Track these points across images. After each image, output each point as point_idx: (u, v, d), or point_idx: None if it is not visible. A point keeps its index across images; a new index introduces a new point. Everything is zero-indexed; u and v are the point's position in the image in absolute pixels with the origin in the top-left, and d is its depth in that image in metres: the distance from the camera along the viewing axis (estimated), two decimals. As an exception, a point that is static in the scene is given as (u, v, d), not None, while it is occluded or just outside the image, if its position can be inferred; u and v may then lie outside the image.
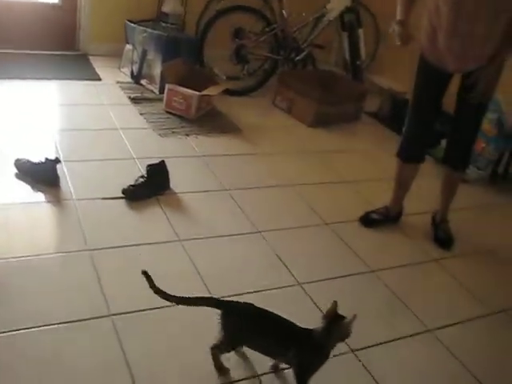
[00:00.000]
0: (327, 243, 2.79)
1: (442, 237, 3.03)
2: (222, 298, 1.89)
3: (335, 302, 1.78)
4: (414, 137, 2.89)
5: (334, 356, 1.88)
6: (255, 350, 1.87)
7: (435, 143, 3.72)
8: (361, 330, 2.23)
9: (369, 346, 2.17)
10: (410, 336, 2.29)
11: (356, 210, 3.09)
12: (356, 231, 2.94)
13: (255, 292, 2.30)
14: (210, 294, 2.22)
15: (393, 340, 2.24)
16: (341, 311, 2.28)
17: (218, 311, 1.82)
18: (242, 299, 2.19)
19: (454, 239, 3.02)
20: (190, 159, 3.28)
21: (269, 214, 2.92)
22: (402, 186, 3.05)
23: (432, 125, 2.88)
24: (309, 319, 2.21)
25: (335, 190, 3.32)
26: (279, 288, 2.38)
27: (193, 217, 2.75)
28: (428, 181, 3.23)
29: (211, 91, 3.83)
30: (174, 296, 1.79)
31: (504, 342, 2.41)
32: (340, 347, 1.95)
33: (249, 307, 1.85)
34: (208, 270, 2.37)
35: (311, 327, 1.81)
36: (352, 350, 2.12)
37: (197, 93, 3.69)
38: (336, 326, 1.76)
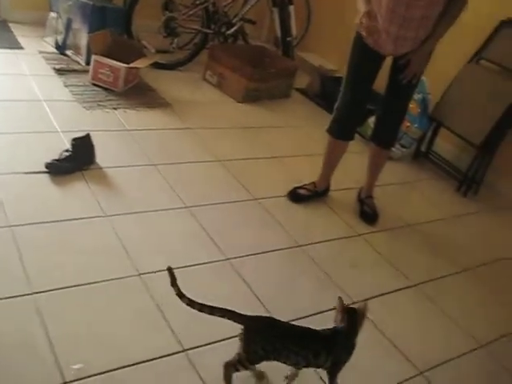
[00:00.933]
0: (256, 218, 2.81)
1: (367, 212, 3.11)
2: (244, 313, 1.75)
3: (340, 298, 1.81)
4: (346, 114, 2.92)
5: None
6: (283, 363, 1.79)
7: (363, 121, 3.81)
8: (288, 304, 2.30)
9: (297, 319, 2.21)
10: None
11: (285, 185, 3.13)
12: (284, 206, 2.97)
13: (183, 267, 2.28)
14: (137, 269, 2.20)
15: (319, 312, 2.30)
16: (269, 286, 2.32)
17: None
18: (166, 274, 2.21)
19: (378, 214, 3.11)
20: (117, 133, 3.20)
21: (197, 189, 2.90)
22: (331, 163, 3.10)
23: (365, 104, 2.93)
24: (236, 294, 2.25)
25: (264, 166, 3.33)
26: (207, 263, 2.38)
27: (119, 192, 2.70)
28: (354, 157, 3.30)
29: (139, 64, 3.74)
30: (198, 303, 1.71)
31: (424, 312, 2.52)
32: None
33: (271, 321, 1.83)
34: (135, 246, 2.34)
35: (330, 327, 1.80)
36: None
37: (124, 65, 3.59)
38: (355, 319, 1.78)
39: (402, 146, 3.92)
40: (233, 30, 4.57)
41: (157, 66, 4.17)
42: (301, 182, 3.14)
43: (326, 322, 2.23)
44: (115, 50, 3.76)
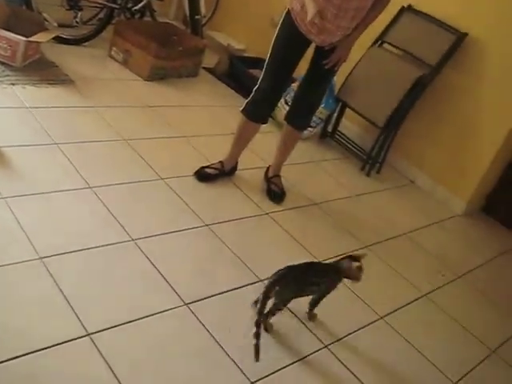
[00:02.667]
0: (162, 198, 2.77)
1: (274, 191, 3.15)
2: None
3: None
4: (265, 98, 2.91)
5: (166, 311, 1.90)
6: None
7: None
8: (197, 283, 2.30)
9: (203, 299, 2.21)
10: (245, 286, 2.38)
11: (192, 164, 3.10)
12: (191, 186, 2.95)
13: (87, 249, 2.23)
14: (36, 251, 2.12)
15: (230, 290, 2.31)
16: (176, 266, 2.31)
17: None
18: (70, 257, 2.15)
19: (285, 193, 3.16)
20: (15, 111, 3.04)
21: (101, 169, 2.81)
22: (241, 143, 3.10)
23: (285, 89, 2.94)
24: (142, 274, 2.22)
25: (171, 145, 3.29)
26: (111, 244, 2.32)
27: (18, 172, 2.56)
28: (263, 137, 3.31)
29: (40, 38, 3.55)
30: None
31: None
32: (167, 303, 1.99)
33: (291, 269, 2.16)
34: (35, 228, 2.24)
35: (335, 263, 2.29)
36: (186, 304, 2.16)
37: (23, 38, 3.41)
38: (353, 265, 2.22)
39: (309, 126, 3.99)
40: (140, 5, 4.44)
41: (59, 40, 3.98)
42: (208, 161, 3.13)
43: (235, 299, 2.28)
44: (13, 23, 3.56)
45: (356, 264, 2.21)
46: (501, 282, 3.28)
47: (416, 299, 2.76)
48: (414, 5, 3.90)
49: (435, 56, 3.72)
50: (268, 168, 3.24)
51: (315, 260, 2.68)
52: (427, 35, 3.82)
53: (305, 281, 2.18)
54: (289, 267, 2.14)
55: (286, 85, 2.91)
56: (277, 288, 2.08)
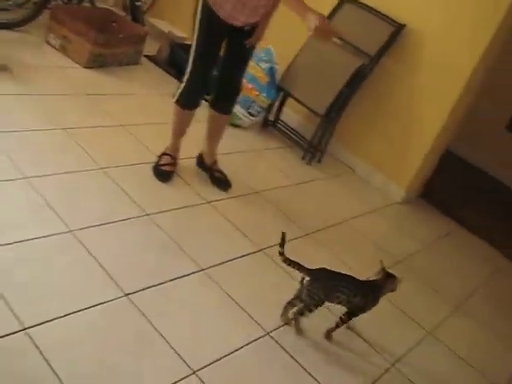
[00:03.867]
0: (102, 188, 2.72)
1: (220, 178, 3.16)
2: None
3: (382, 262, 2.38)
4: (196, 85, 2.90)
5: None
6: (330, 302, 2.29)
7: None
8: (138, 273, 2.28)
9: (143, 289, 2.19)
10: (187, 275, 2.38)
11: (132, 154, 3.07)
12: (132, 176, 2.90)
13: (22, 241, 2.17)
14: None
15: (169, 281, 2.30)
16: (116, 256, 2.28)
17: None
18: (5, 250, 2.09)
19: (230, 180, 3.17)
20: None
21: (38, 158, 2.73)
22: (182, 132, 3.08)
23: (212, 72, 2.93)
24: (81, 266, 2.18)
25: (111, 135, 3.22)
26: (49, 236, 2.26)
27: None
28: (198, 125, 3.28)
29: (-29, 22, 3.43)
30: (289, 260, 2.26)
31: (269, 273, 2.63)
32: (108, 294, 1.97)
33: (326, 270, 2.29)
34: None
35: (371, 279, 2.36)
36: (126, 294, 2.13)
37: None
38: (390, 281, 2.34)
39: (251, 115, 4.00)
40: (77, -10, 4.34)
41: (-8, 24, 3.84)
42: (150, 150, 3.10)
43: (176, 288, 2.27)
44: None
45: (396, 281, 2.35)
46: (437, 266, 3.39)
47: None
48: (354, -5, 3.95)
49: (374, 46, 3.79)
50: (200, 156, 3.23)
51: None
52: (367, 26, 3.88)
53: (334, 287, 2.26)
54: (324, 269, 2.29)
55: (213, 69, 2.91)
56: (308, 287, 2.23)
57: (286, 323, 2.34)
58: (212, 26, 2.75)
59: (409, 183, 3.93)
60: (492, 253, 3.86)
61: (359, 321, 2.41)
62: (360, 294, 2.27)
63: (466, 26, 3.55)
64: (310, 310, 2.26)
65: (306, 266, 2.26)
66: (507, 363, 2.76)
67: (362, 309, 2.32)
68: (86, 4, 4.52)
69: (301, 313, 2.29)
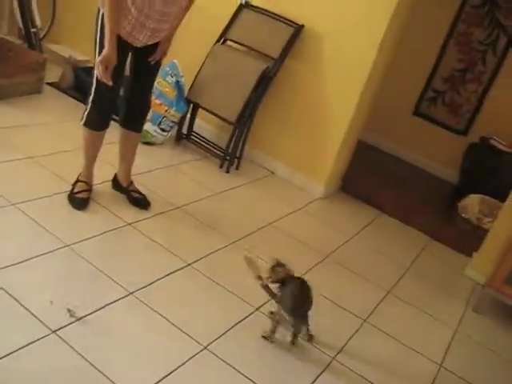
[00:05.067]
0: (17, 225, 2.62)
1: (138, 198, 3.12)
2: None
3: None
4: (104, 105, 2.86)
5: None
6: None
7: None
8: (60, 307, 2.20)
9: (69, 323, 2.13)
10: (113, 303, 2.32)
11: (45, 185, 2.98)
12: (47, 208, 2.81)
13: None
14: None
15: (98, 310, 2.24)
16: (41, 293, 2.19)
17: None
18: None
19: (148, 198, 3.13)
20: None
21: None
22: (94, 155, 3.01)
23: (119, 90, 2.88)
24: (3, 310, 2.09)
25: (20, 169, 3.11)
26: None
27: None
28: (109, 147, 3.22)
29: None
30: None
31: (201, 288, 2.61)
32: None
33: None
34: None
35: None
36: (53, 331, 2.06)
37: None
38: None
39: (163, 130, 3.97)
40: (-34, 23, 4.17)
41: None
42: (63, 179, 3.02)
43: (107, 316, 2.22)
44: None
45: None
46: (364, 255, 3.47)
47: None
48: (251, 1, 4.00)
49: (277, 49, 3.85)
50: (115, 178, 3.18)
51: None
52: (267, 30, 3.94)
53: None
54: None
55: (119, 87, 2.87)
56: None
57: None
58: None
59: (327, 178, 4.01)
60: (415, 234, 4.00)
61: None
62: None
63: (361, 19, 3.67)
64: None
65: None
66: (442, 338, 2.86)
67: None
68: (-22, 36, 4.36)
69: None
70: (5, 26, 5.06)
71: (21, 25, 4.50)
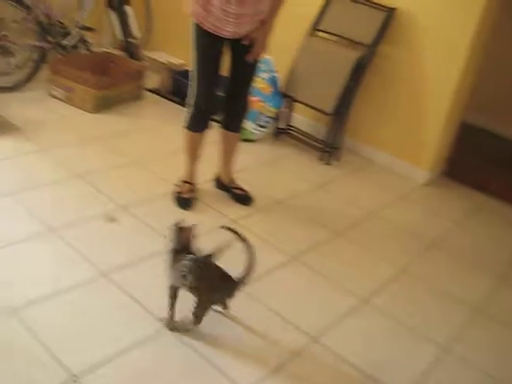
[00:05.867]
0: (127, 226, 2.76)
1: (240, 195, 3.17)
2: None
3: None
4: (202, 107, 2.92)
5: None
6: None
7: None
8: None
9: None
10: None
11: (151, 188, 3.11)
12: (153, 210, 2.93)
13: (56, 294, 2.21)
14: (8, 305, 2.09)
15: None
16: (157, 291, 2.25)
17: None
18: (42, 304, 2.13)
19: (251, 194, 3.18)
20: (-36, 169, 3.01)
21: (60, 209, 2.79)
22: (195, 156, 3.10)
23: (216, 91, 2.92)
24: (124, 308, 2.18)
25: (128, 173, 3.27)
26: (83, 284, 2.31)
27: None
28: (212, 147, 3.29)
29: (-24, 91, 3.52)
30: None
31: (306, 281, 2.61)
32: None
33: None
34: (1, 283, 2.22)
35: None
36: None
37: (-41, 95, 3.38)
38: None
39: (261, 127, 4.01)
40: (72, 39, 4.42)
41: (-3, 90, 3.95)
42: (169, 181, 3.13)
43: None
44: None
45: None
46: (473, 242, 3.33)
47: (395, 275, 2.79)
48: (340, -11, 3.95)
49: (369, 35, 3.77)
50: (218, 177, 3.25)
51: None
52: (358, 17, 3.87)
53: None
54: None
55: (216, 87, 2.91)
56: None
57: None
58: (206, 44, 2.76)
59: (430, 163, 3.88)
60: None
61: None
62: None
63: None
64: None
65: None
66: None
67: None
68: (83, 51, 4.60)
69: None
70: (106, 40, 5.32)
71: (120, 36, 4.71)
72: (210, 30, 2.70)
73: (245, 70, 2.92)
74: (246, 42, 2.77)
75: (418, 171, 3.91)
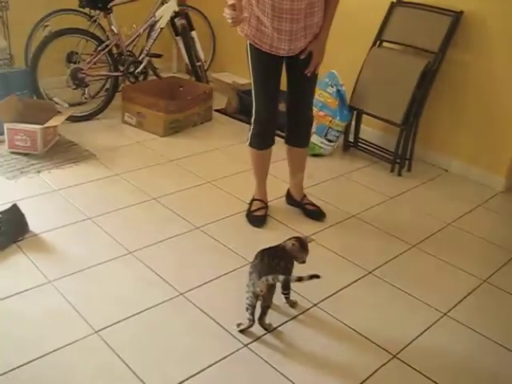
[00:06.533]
0: (203, 246, 2.79)
1: (312, 210, 3.16)
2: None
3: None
4: (264, 124, 2.95)
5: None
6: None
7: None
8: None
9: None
10: (301, 313, 2.37)
11: (224, 207, 3.15)
12: (227, 229, 2.97)
13: (138, 313, 2.26)
14: (92, 327, 2.16)
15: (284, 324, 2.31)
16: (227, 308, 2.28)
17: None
18: (123, 324, 2.18)
19: (323, 210, 3.16)
20: (45, 196, 3.14)
21: (137, 232, 2.86)
22: (263, 173, 3.12)
23: (277, 107, 2.93)
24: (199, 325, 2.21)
25: (200, 193, 3.33)
26: (162, 303, 2.35)
27: (60, 254, 2.63)
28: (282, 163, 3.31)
29: (54, 122, 3.68)
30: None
31: (384, 296, 2.56)
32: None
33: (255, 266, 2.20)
34: (86, 305, 2.29)
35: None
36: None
37: (39, 126, 3.54)
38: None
39: (330, 141, 3.99)
40: (141, 67, 4.57)
41: (74, 119, 4.13)
42: (240, 199, 3.16)
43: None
44: (27, 114, 3.71)
45: (296, 243, 2.31)
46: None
47: (477, 286, 2.69)
48: (401, -3, 3.91)
49: (436, 42, 3.69)
50: (289, 193, 3.25)
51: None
52: (423, 23, 3.80)
53: (270, 268, 2.16)
54: (254, 266, 2.21)
55: (277, 103, 2.92)
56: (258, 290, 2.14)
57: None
58: (262, 62, 2.79)
59: (508, 169, 3.73)
60: None
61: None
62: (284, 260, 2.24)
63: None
64: (269, 307, 2.23)
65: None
66: None
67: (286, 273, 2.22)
68: (152, 77, 4.75)
69: (264, 314, 2.24)
70: (174, 65, 5.47)
71: (187, 61, 4.83)
72: (265, 50, 2.72)
73: (304, 83, 2.91)
74: (303, 57, 2.77)
75: (496, 178, 3.77)
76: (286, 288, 2.36)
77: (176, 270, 2.59)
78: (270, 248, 2.30)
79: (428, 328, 2.36)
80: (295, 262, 2.31)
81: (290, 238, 2.35)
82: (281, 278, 2.10)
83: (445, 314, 2.46)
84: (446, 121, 3.92)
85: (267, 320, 2.25)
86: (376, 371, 2.10)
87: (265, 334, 2.23)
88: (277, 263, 2.19)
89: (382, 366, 2.13)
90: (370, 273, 2.70)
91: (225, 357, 2.09)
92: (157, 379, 1.96)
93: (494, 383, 2.13)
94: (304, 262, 2.32)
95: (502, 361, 2.24)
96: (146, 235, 2.83)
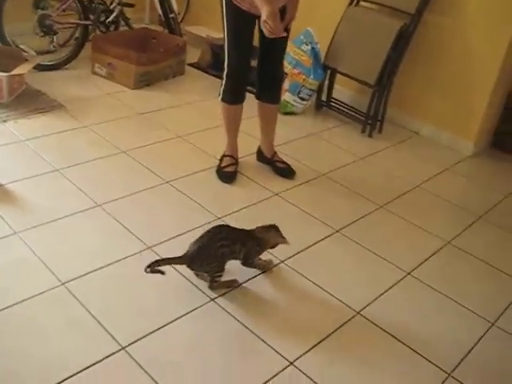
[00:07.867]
0: (172, 201, 2.78)
1: (282, 168, 3.16)
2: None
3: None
4: (237, 79, 2.92)
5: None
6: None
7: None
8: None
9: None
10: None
11: (194, 162, 3.13)
12: (198, 184, 2.96)
13: (106, 266, 2.26)
14: (59, 279, 2.15)
15: (249, 279, 2.33)
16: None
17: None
18: (91, 276, 2.18)
19: (293, 167, 3.17)
20: (12, 146, 3.07)
21: (106, 185, 2.83)
22: (234, 128, 3.10)
23: (250, 62, 2.91)
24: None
25: (170, 147, 3.30)
26: (129, 256, 2.35)
27: (26, 205, 2.59)
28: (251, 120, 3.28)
29: (21, 70, 3.57)
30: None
31: (351, 254, 2.60)
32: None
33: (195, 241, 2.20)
34: (53, 256, 2.27)
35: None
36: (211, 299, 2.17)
37: (5, 74, 3.43)
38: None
39: (302, 99, 3.97)
40: (112, 16, 4.44)
41: (41, 68, 4.01)
42: (210, 155, 3.14)
43: (258, 286, 2.28)
44: (-7, 61, 3.60)
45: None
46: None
47: (441, 248, 2.75)
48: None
49: (413, 3, 3.66)
50: (259, 150, 3.25)
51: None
52: (402, -16, 3.77)
53: (213, 249, 2.16)
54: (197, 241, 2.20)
55: (249, 59, 2.89)
56: (197, 265, 2.18)
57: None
58: (238, 19, 2.75)
59: (476, 134, 3.78)
60: None
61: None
62: (239, 242, 2.22)
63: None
64: (221, 274, 2.22)
65: (173, 256, 2.19)
66: None
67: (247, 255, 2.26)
68: (124, 28, 4.63)
69: (215, 280, 2.23)
70: (147, 16, 5.33)
71: (160, 12, 4.71)
72: (244, 8, 2.67)
73: (276, 38, 2.86)
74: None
75: (464, 143, 3.81)
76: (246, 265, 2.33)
77: (144, 223, 2.57)
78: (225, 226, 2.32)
79: (391, 287, 2.42)
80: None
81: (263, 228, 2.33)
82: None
83: (408, 274, 2.51)
84: (419, 84, 3.93)
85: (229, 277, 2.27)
86: (339, 327, 2.15)
87: (232, 289, 2.25)
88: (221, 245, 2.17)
89: (346, 322, 2.18)
90: (337, 231, 2.73)
91: (192, 309, 2.11)
92: (124, 332, 1.97)
93: (452, 341, 2.19)
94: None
95: (461, 319, 2.31)
96: (114, 188, 2.80)
